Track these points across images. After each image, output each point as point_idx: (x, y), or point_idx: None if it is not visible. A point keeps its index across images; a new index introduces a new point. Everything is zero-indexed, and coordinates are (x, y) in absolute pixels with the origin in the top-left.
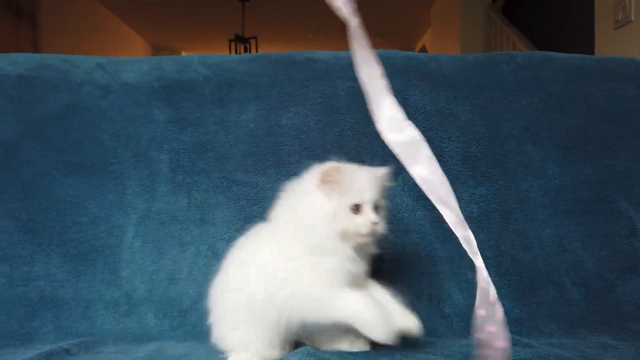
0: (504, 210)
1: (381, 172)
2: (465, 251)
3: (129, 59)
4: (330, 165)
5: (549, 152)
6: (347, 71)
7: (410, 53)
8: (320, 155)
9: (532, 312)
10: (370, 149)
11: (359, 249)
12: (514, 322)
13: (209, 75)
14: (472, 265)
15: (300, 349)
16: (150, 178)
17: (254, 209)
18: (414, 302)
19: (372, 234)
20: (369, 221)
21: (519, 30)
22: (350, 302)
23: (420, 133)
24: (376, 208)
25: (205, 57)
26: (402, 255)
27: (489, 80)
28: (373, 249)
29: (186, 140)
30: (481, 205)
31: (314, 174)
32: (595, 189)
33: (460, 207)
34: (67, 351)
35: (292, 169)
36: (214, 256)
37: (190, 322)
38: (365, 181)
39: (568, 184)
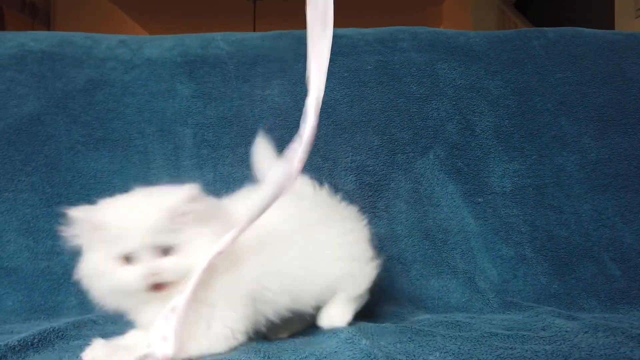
0: (538, 185)
1: (179, 195)
2: (498, 226)
3: (151, 37)
4: (77, 209)
5: (584, 126)
6: (374, 46)
7: (436, 29)
8: (349, 128)
9: (570, 288)
10: (400, 122)
11: None
12: (552, 298)
13: (232, 51)
14: (505, 240)
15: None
16: (175, 152)
17: None
18: (447, 278)
19: (157, 286)
20: (139, 272)
21: (532, 25)
22: None
23: None
24: (168, 250)
25: (228, 35)
26: (434, 230)
27: (520, 55)
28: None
29: (211, 114)
30: (515, 180)
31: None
32: (634, 163)
33: (494, 181)
34: (94, 322)
35: (319, 143)
36: None
37: None
38: (133, 221)
39: (605, 157)
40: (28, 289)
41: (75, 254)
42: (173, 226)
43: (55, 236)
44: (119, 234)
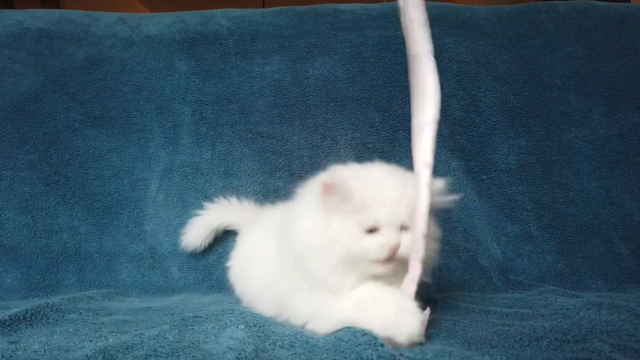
0: (545, 162)
1: (434, 185)
2: (503, 203)
3: (150, 14)
4: (332, 175)
5: (594, 101)
6: (377, 20)
7: (442, 3)
8: (349, 105)
9: (576, 266)
10: (401, 98)
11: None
12: (557, 277)
13: (233, 27)
14: (510, 218)
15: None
16: (174, 130)
17: (279, 161)
18: (449, 256)
19: (389, 259)
20: (385, 242)
21: None
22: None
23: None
24: (403, 228)
25: (228, 11)
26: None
27: (529, 30)
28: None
29: (209, 92)
30: (521, 157)
31: (316, 184)
32: None
33: (499, 158)
34: (91, 298)
35: (319, 120)
36: None
37: (215, 276)
38: (388, 198)
39: (615, 134)
40: (27, 267)
41: None
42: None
43: (54, 214)
44: (375, 207)
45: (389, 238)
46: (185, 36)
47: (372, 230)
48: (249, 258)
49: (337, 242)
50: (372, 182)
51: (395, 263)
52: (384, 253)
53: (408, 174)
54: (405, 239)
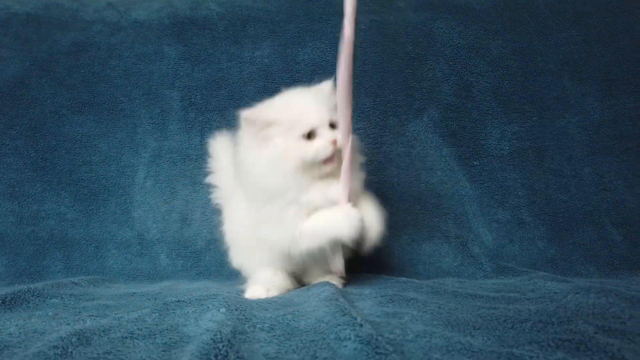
0: (538, 148)
1: (325, 87)
2: (495, 189)
3: None
4: (248, 111)
5: (588, 86)
6: (369, 5)
7: None
8: None
9: (568, 253)
10: (393, 83)
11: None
12: (548, 263)
13: (223, 12)
14: (501, 204)
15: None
16: (162, 116)
17: None
18: (439, 242)
19: (334, 151)
20: (327, 141)
21: None
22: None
23: None
24: (332, 126)
25: None
26: (426, 194)
27: (523, 14)
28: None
29: (198, 77)
30: (513, 142)
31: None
32: (639, 125)
33: (491, 144)
34: (76, 284)
35: None
36: None
37: (203, 263)
38: (307, 104)
39: (609, 119)
40: (13, 254)
41: None
42: (333, 106)
43: (40, 200)
44: (302, 117)
45: (327, 136)
46: (174, 21)
47: (309, 137)
48: (236, 214)
49: (287, 158)
50: (294, 101)
51: (337, 162)
52: (329, 149)
53: (314, 87)
54: (339, 133)
